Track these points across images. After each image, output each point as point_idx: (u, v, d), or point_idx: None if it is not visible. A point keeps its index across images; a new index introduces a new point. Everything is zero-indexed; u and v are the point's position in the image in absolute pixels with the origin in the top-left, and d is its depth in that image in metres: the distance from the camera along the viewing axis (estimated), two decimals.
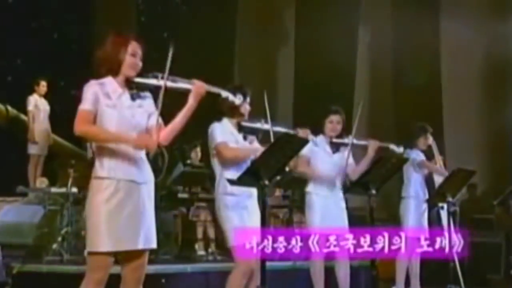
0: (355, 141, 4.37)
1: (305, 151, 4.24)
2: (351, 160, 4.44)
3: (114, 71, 2.80)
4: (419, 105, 8.41)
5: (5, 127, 7.18)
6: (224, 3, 9.43)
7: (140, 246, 2.76)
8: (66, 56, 8.02)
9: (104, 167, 2.76)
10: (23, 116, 7.07)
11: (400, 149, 4.46)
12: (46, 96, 7.08)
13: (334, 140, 4.43)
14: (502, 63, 8.75)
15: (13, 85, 7.67)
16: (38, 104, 6.96)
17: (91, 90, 2.77)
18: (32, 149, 6.92)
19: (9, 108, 7.17)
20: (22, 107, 7.05)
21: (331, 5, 9.07)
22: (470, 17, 8.71)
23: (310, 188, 4.45)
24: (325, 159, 4.42)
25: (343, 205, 4.47)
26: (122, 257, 2.79)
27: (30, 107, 6.89)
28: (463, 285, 5.01)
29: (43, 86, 6.99)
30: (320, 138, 4.44)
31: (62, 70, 7.76)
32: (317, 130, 4.43)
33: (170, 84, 2.79)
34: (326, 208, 4.37)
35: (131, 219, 2.74)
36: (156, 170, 2.98)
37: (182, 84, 2.83)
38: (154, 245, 2.83)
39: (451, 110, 8.74)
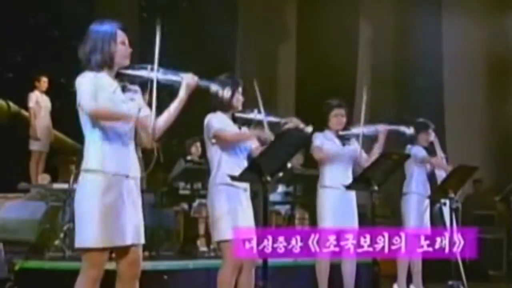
0: (365, 130, 4.37)
1: (317, 142, 4.26)
2: (364, 153, 4.44)
3: (107, 65, 2.74)
4: (421, 100, 8.40)
5: (7, 124, 7.17)
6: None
7: (129, 242, 2.73)
8: (66, 52, 7.99)
9: (95, 160, 2.71)
10: (24, 113, 7.06)
11: (410, 130, 4.44)
12: (47, 93, 7.07)
13: (341, 133, 4.44)
14: (505, 59, 8.74)
15: (14, 82, 7.66)
16: (39, 101, 6.96)
17: (87, 79, 2.69)
18: (34, 146, 6.92)
19: (11, 104, 7.17)
20: (23, 104, 7.05)
21: (332, 1, 9.06)
22: (472, 13, 8.69)
23: (322, 180, 4.42)
24: (338, 152, 4.44)
25: (354, 201, 4.46)
26: (117, 254, 2.77)
27: (31, 103, 6.89)
28: (465, 281, 5.00)
29: (44, 82, 6.99)
30: (327, 133, 4.46)
31: (62, 66, 7.74)
32: (322, 125, 4.45)
33: (160, 76, 2.74)
34: (338, 202, 4.35)
35: (123, 214, 2.70)
36: (145, 164, 2.95)
37: (172, 77, 2.78)
38: (142, 240, 2.78)
39: (453, 106, 8.73)
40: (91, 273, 2.70)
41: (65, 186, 5.69)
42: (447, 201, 4.75)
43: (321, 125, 4.47)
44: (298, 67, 9.55)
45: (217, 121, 3.61)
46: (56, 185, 5.93)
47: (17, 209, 6.01)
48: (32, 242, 5.57)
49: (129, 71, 2.77)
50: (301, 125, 4.06)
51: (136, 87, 2.82)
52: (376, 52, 9.58)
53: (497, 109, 8.74)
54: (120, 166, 2.73)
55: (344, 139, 4.46)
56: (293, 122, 3.86)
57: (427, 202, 5.10)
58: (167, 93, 2.86)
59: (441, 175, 5.15)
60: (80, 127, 2.74)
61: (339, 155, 4.42)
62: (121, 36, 2.77)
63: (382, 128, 4.37)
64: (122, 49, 2.76)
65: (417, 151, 5.13)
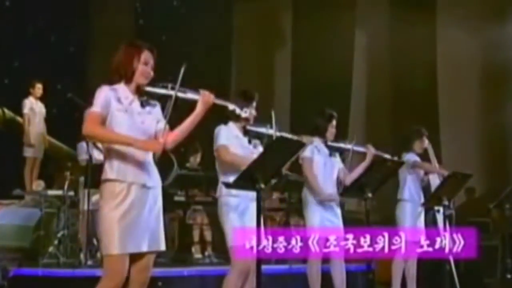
0: (355, 147, 4.45)
1: (307, 153, 4.31)
2: (342, 165, 4.52)
3: (127, 79, 2.91)
4: (416, 108, 8.44)
5: (2, 130, 7.16)
6: (222, 7, 9.44)
7: (145, 249, 2.83)
8: (63, 59, 8.02)
9: (114, 170, 2.84)
10: (19, 119, 7.05)
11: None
12: (42, 99, 7.07)
13: (330, 143, 4.48)
14: (499, 67, 8.79)
15: (10, 88, 7.65)
16: (33, 107, 6.95)
17: (103, 94, 2.86)
18: (28, 152, 6.91)
19: (6, 110, 7.16)
20: (18, 110, 7.05)
21: (328, 8, 9.10)
22: (466, 21, 8.75)
23: (309, 189, 4.48)
24: (326, 162, 4.50)
25: (339, 210, 4.53)
26: (129, 259, 2.84)
27: (26, 110, 6.89)
28: None
29: (38, 88, 6.99)
30: (318, 143, 4.49)
31: (58, 73, 7.75)
32: (316, 133, 4.48)
33: (180, 94, 2.90)
34: (325, 210, 4.42)
35: (138, 222, 2.81)
36: (163, 175, 3.02)
37: (191, 95, 2.93)
38: (162, 247, 2.92)
39: (447, 113, 8.77)
40: (109, 283, 2.78)
41: (59, 192, 5.69)
42: (441, 208, 4.77)
43: (315, 133, 4.50)
44: (294, 76, 9.57)
45: (224, 136, 3.70)
46: (51, 192, 5.92)
47: (12, 215, 5.99)
48: (26, 249, 5.56)
49: (151, 89, 2.92)
50: (317, 139, 4.18)
51: (155, 102, 2.96)
52: (371, 60, 9.62)
53: (491, 117, 8.78)
54: (136, 175, 2.84)
55: (332, 150, 4.51)
56: (307, 141, 3.93)
57: (421, 208, 5.11)
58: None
59: (435, 183, 5.17)
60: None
61: (327, 166, 4.48)
62: (145, 56, 2.92)
63: (370, 151, 4.44)
64: (142, 68, 2.90)
65: (410, 157, 5.16)
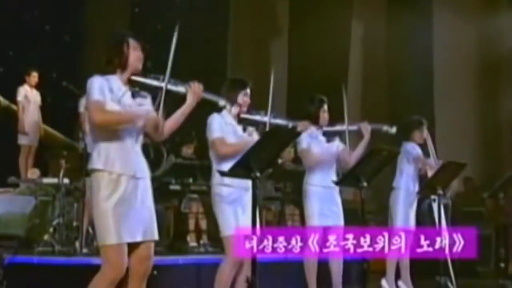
0: (349, 128, 4.42)
1: (304, 144, 4.29)
2: (342, 146, 4.50)
3: (122, 67, 2.93)
4: (412, 99, 8.45)
5: None
6: None
7: (139, 239, 2.85)
8: (58, 47, 7.98)
9: (102, 159, 2.84)
10: (14, 107, 7.03)
11: (393, 129, 4.50)
12: (38, 88, 7.04)
13: (326, 129, 4.48)
14: (494, 57, 8.81)
15: (5, 77, 7.62)
16: (28, 95, 6.93)
17: (97, 82, 2.87)
18: (23, 140, 6.89)
19: (1, 98, 7.13)
20: (13, 98, 7.02)
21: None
22: (463, 12, 8.76)
23: (309, 179, 4.47)
24: (323, 149, 4.49)
25: (339, 199, 4.52)
26: (128, 250, 2.85)
27: (20, 97, 6.86)
28: (453, 277, 5.04)
29: (34, 76, 6.95)
30: (313, 130, 4.48)
31: (54, 61, 7.72)
32: (309, 121, 4.47)
33: (170, 86, 2.91)
34: (325, 200, 4.42)
35: (131, 213, 2.82)
36: (153, 165, 3.04)
37: (182, 88, 2.96)
38: (155, 237, 2.94)
39: (443, 104, 8.79)
40: (109, 274, 2.79)
41: (54, 180, 5.68)
42: (437, 198, 4.78)
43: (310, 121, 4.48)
44: (290, 65, 9.56)
45: (218, 127, 3.65)
46: (46, 180, 5.91)
47: (6, 203, 5.98)
48: (21, 237, 5.55)
49: (143, 79, 2.94)
50: (312, 128, 4.18)
51: (146, 94, 2.97)
52: (368, 50, 9.62)
53: (487, 108, 8.81)
54: (125, 166, 2.85)
55: (328, 135, 4.50)
56: (302, 126, 3.91)
57: (414, 197, 5.12)
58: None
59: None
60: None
61: (325, 155, 4.47)
62: (133, 43, 2.98)
63: (365, 126, 4.43)
64: (134, 53, 2.96)
65: (411, 148, 5.15)
